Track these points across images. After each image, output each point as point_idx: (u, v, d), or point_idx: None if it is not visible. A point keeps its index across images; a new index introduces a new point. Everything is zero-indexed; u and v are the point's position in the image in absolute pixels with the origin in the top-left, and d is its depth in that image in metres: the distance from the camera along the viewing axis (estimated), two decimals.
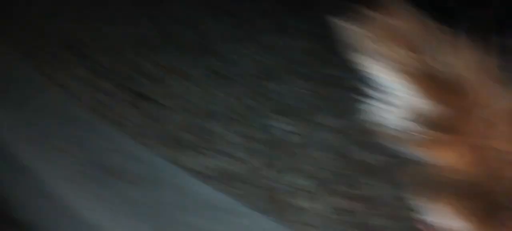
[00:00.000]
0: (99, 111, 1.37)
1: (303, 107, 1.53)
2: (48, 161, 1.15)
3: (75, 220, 1.04)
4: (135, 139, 1.28)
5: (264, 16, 2.26)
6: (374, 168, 1.23)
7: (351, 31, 0.41)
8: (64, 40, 1.70)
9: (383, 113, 0.41)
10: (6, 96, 1.33)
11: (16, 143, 1.20)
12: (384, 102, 0.41)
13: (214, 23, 2.10)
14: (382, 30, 0.40)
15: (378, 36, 0.40)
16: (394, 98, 0.41)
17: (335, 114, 1.44)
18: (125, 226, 1.02)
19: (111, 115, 1.36)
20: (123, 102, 1.42)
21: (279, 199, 1.13)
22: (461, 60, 0.41)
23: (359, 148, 1.27)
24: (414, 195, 0.42)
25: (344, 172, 1.23)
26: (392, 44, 0.39)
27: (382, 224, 1.07)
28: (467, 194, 0.40)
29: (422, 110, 0.41)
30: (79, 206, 1.05)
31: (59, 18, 1.77)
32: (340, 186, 1.17)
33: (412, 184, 0.42)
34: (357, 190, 1.16)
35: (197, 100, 1.50)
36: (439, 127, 0.41)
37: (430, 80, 0.40)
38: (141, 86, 1.53)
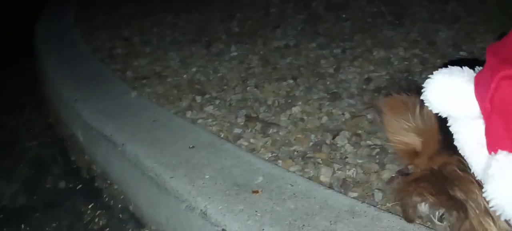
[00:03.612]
0: (233, 137, 1.53)
1: None
2: (192, 183, 1.28)
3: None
4: (268, 158, 1.38)
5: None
6: None
7: None
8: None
9: None
10: (159, 138, 1.55)
11: (163, 170, 1.37)
12: None
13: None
14: None
15: None
16: None
17: None
18: None
19: (244, 141, 1.49)
20: (253, 130, 1.56)
21: None
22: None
23: None
24: None
25: None
26: None
27: None
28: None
29: None
30: (218, 219, 1.14)
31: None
32: None
33: None
34: None
35: (315, 120, 1.58)
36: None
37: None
38: (264, 114, 1.66)
